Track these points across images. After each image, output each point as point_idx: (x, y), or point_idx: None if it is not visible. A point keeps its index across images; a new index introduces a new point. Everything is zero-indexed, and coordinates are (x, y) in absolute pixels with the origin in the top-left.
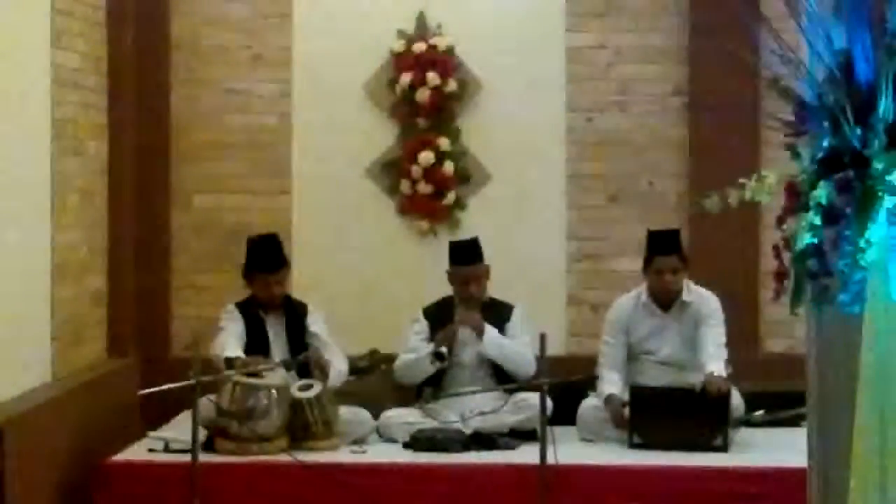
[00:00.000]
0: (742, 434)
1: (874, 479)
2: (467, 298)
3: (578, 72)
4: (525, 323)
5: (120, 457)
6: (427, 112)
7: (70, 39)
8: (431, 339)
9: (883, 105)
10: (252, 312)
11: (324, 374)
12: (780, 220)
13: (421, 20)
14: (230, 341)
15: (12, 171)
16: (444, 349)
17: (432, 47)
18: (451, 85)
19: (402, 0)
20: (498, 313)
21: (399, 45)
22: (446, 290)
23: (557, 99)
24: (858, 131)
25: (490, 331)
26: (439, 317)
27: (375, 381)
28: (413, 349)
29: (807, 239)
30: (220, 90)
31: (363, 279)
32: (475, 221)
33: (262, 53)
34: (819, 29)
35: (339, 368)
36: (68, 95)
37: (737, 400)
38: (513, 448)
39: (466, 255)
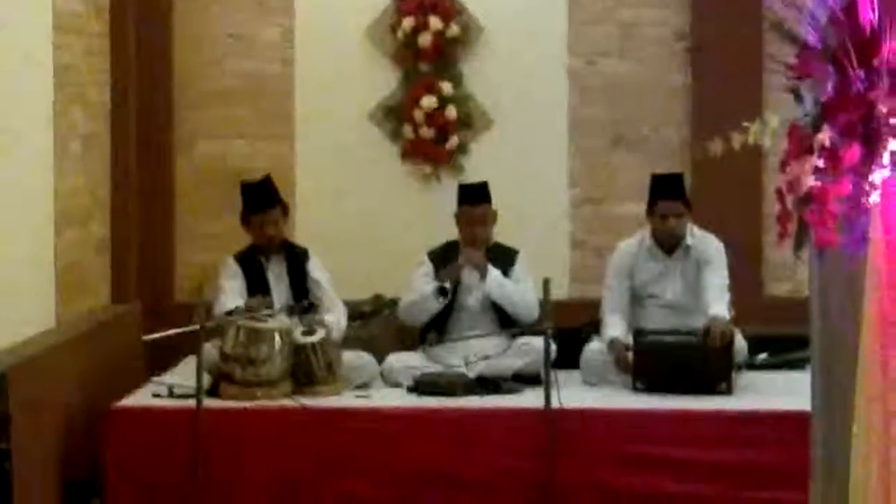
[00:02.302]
0: (745, 377)
1: (877, 422)
2: (473, 240)
3: (580, 16)
4: (528, 268)
5: (125, 402)
6: (429, 57)
7: None
8: (436, 280)
9: (887, 47)
10: (252, 261)
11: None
12: (784, 164)
13: None
14: (230, 298)
15: (14, 118)
16: (447, 284)
17: None
18: (454, 29)
19: None
20: (502, 258)
21: None
22: (449, 234)
23: (559, 43)
24: (862, 74)
25: (493, 271)
26: (445, 259)
27: (379, 325)
28: (417, 290)
29: (810, 182)
30: (222, 36)
31: (366, 224)
32: (478, 166)
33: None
34: None
35: (338, 323)
36: (70, 41)
37: (740, 343)
38: (517, 392)
39: (475, 196)
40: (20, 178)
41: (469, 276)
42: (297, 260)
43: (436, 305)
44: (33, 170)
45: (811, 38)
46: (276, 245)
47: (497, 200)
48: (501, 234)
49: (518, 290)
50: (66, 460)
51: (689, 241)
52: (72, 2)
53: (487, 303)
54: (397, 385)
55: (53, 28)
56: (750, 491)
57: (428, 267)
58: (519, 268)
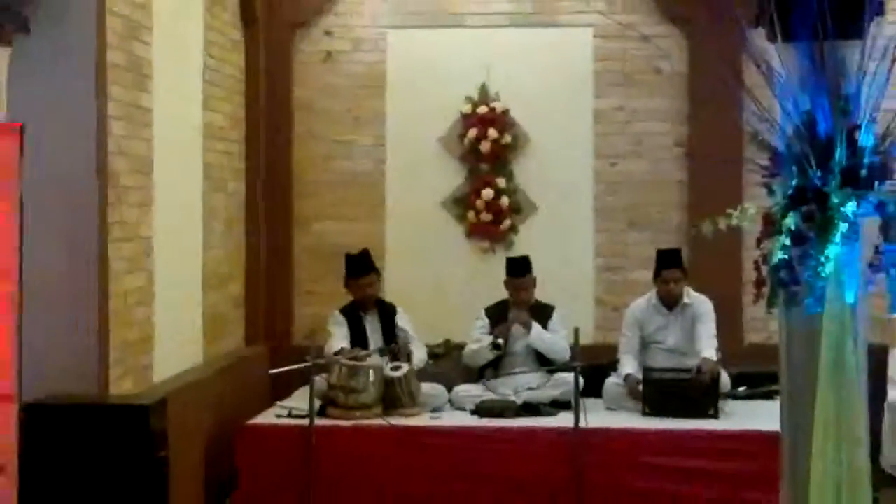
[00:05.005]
0: (729, 405)
1: (830, 443)
2: (519, 302)
3: (603, 128)
4: (562, 320)
5: (254, 421)
6: (488, 159)
7: (216, 102)
8: (490, 332)
9: (838, 153)
10: (354, 314)
11: (408, 359)
12: (759, 242)
13: (483, 90)
14: (337, 341)
15: (175, 205)
16: (500, 340)
17: (492, 109)
18: (507, 138)
19: (469, 74)
20: (542, 313)
21: (467, 108)
22: (502, 294)
23: (588, 148)
24: (819, 173)
25: (536, 327)
26: (496, 315)
27: (449, 363)
28: (476, 340)
29: (779, 256)
30: (329, 141)
31: (439, 286)
32: (525, 242)
33: (361, 115)
34: (789, 95)
35: (420, 356)
36: (215, 145)
37: (725, 379)
38: (553, 415)
39: (519, 269)
40: (178, 251)
41: (516, 329)
42: (388, 314)
43: (491, 356)
44: (187, 245)
45: (780, 145)
46: (371, 302)
47: (539, 269)
48: (542, 293)
49: (554, 339)
50: (208, 465)
51: (685, 300)
52: (216, 116)
53: (531, 348)
54: (463, 409)
55: (202, 135)
56: (734, 493)
57: (484, 321)
58: (555, 320)
